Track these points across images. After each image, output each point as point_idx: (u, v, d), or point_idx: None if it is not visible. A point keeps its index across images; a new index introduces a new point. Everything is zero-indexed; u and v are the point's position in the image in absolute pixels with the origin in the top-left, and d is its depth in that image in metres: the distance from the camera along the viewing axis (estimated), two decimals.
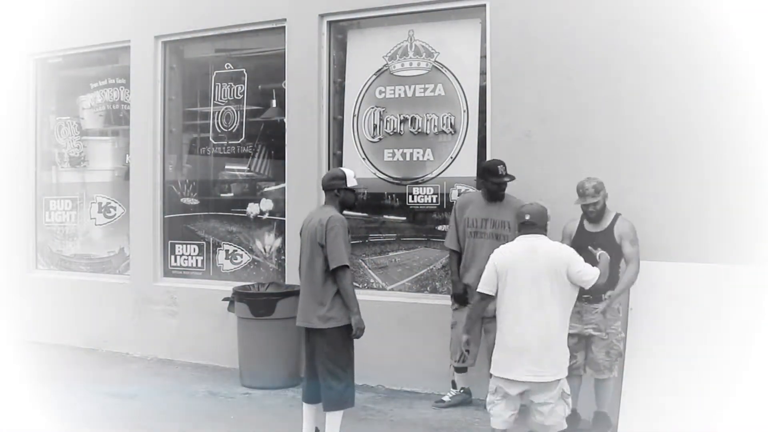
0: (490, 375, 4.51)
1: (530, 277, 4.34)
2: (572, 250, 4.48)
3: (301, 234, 5.13)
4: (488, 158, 6.23)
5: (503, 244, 5.51)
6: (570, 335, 4.96)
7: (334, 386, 4.87)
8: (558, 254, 4.42)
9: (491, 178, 5.74)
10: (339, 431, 4.92)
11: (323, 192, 5.22)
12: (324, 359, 4.90)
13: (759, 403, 4.77)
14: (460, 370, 5.97)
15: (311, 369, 5.02)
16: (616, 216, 5.29)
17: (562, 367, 4.35)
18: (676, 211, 5.50)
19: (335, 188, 5.04)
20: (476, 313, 4.76)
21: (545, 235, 4.54)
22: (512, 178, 5.75)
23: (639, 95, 5.66)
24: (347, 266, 4.83)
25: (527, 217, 4.50)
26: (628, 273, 5.20)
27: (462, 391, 6.02)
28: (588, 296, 5.11)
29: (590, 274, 4.40)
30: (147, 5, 8.01)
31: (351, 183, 5.06)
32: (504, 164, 5.78)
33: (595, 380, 5.31)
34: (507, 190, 5.84)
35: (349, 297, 4.86)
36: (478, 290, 4.57)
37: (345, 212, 5.15)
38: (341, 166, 7.01)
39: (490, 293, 4.48)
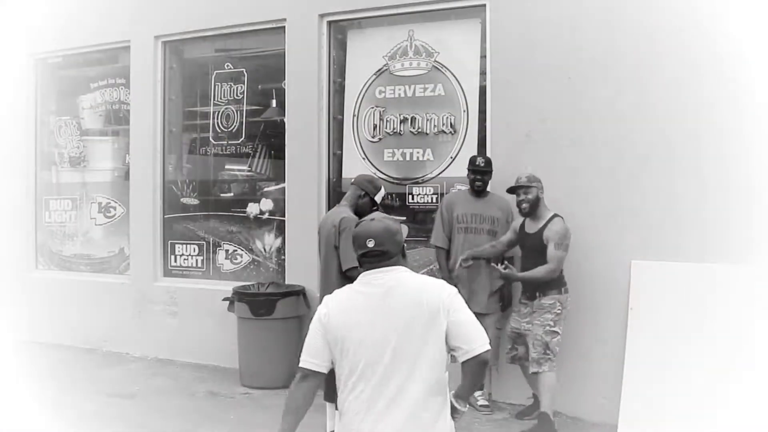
0: None
1: (382, 341, 2.73)
2: (454, 290, 2.84)
3: (318, 233, 5.21)
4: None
5: (494, 239, 5.77)
6: (512, 330, 5.50)
7: None
8: (431, 293, 2.77)
9: (469, 168, 5.95)
10: None
11: (350, 187, 5.34)
12: None
13: (758, 403, 4.77)
14: None
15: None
16: (552, 217, 5.33)
17: None
18: (675, 210, 5.50)
19: (365, 191, 5.11)
20: (294, 403, 2.92)
21: (405, 266, 2.93)
22: (487, 170, 5.89)
23: (639, 95, 5.66)
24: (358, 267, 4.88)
25: (370, 243, 2.83)
26: (540, 268, 5.21)
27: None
28: (525, 294, 5.43)
29: (474, 341, 2.72)
30: (147, 5, 8.01)
31: (378, 197, 5.22)
32: (486, 158, 5.97)
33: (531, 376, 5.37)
34: (503, 188, 5.88)
35: None
36: (300, 365, 2.92)
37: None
38: (341, 165, 7.04)
39: (318, 369, 2.89)
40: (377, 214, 3.02)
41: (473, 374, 2.76)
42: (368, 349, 2.73)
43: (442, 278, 5.85)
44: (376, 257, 2.85)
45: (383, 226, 2.86)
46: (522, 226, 5.51)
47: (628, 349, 5.34)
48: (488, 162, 5.95)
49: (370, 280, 2.86)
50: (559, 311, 5.27)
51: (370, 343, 2.74)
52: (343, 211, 5.05)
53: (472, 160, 5.96)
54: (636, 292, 5.39)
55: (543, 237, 5.26)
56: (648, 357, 5.25)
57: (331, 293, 4.90)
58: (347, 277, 4.92)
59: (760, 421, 4.73)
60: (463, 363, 2.74)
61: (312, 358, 2.85)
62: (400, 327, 2.72)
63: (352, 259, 4.86)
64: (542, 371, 5.23)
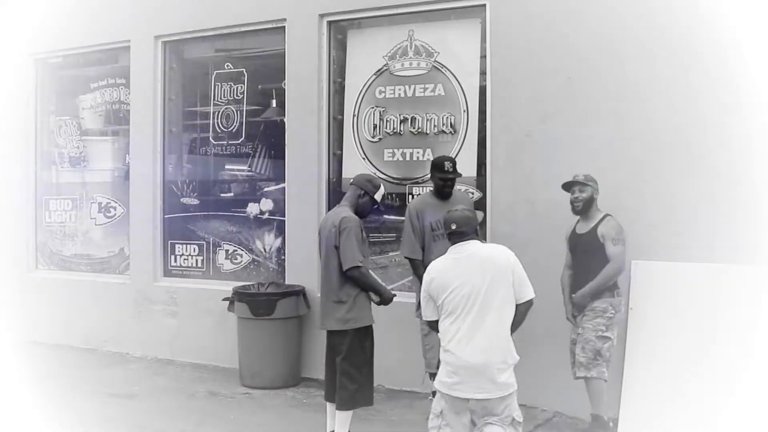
0: (433, 394, 4.32)
1: (468, 290, 3.92)
2: (513, 254, 4.04)
3: (319, 233, 5.20)
4: (488, 158, 6.25)
5: None
6: (572, 343, 5.25)
7: (347, 386, 4.95)
8: (499, 256, 4.01)
9: (437, 174, 5.61)
10: (347, 430, 4.98)
11: (349, 187, 5.31)
12: (340, 359, 4.99)
13: (759, 404, 4.77)
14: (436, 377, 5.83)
15: (330, 368, 5.11)
16: (604, 216, 5.22)
17: (508, 385, 3.91)
18: (675, 211, 5.50)
19: (364, 190, 5.09)
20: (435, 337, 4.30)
21: (478, 239, 4.15)
22: (458, 174, 5.66)
23: (639, 95, 5.66)
24: (360, 266, 4.87)
25: (453, 227, 4.09)
26: (604, 270, 5.09)
27: None
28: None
29: (530, 288, 3.99)
30: (147, 5, 8.01)
31: (378, 196, 5.18)
32: (453, 161, 5.67)
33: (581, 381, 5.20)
34: (503, 188, 5.85)
35: (374, 288, 5.06)
36: (424, 318, 4.25)
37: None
38: (341, 165, 7.04)
39: (434, 318, 4.11)
40: (461, 206, 4.37)
41: (520, 313, 3.99)
42: (457, 296, 3.92)
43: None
44: (458, 235, 4.08)
45: (463, 215, 4.13)
46: (573, 230, 5.35)
47: (628, 348, 5.33)
48: (455, 164, 5.67)
49: (456, 250, 4.06)
50: (611, 315, 5.11)
51: (458, 292, 3.92)
52: (344, 211, 5.06)
53: (440, 166, 5.58)
54: (636, 292, 5.38)
55: (598, 234, 5.13)
56: (648, 357, 5.24)
57: (330, 293, 4.98)
58: (348, 276, 4.92)
59: (760, 421, 4.73)
60: (517, 305, 3.96)
61: (426, 312, 4.13)
62: (478, 280, 3.91)
63: (352, 258, 4.87)
64: (590, 376, 5.07)
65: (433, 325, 4.15)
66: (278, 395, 6.52)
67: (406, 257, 5.75)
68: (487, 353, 3.87)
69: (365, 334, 5.02)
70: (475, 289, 3.91)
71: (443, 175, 5.56)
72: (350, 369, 4.95)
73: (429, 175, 6.51)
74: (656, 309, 5.30)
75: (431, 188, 5.87)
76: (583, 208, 5.23)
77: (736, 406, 4.83)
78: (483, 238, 5.80)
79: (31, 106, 9.04)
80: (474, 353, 3.88)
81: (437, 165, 5.65)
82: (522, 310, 4.00)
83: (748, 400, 4.81)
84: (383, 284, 5.57)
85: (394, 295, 5.20)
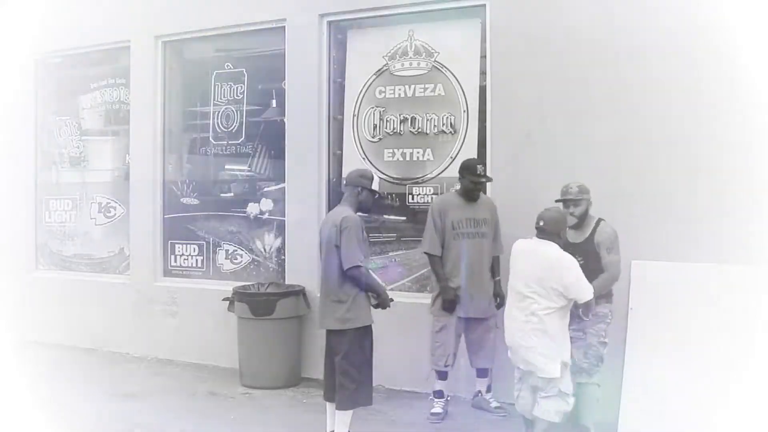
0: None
1: (521, 280, 4.72)
2: (572, 261, 4.65)
3: (320, 233, 5.20)
4: (488, 158, 6.25)
5: (485, 241, 5.75)
6: None
7: (346, 386, 4.95)
8: (552, 263, 4.63)
9: (469, 176, 5.68)
10: (347, 430, 4.98)
11: (345, 188, 5.30)
12: (339, 359, 4.97)
13: (758, 403, 4.77)
14: (441, 376, 5.81)
15: (329, 367, 5.10)
16: (598, 222, 5.15)
17: (550, 362, 4.62)
18: (675, 211, 5.50)
19: (360, 186, 5.09)
20: None
21: (558, 243, 4.72)
22: (489, 179, 5.80)
23: (639, 96, 5.66)
24: (360, 266, 4.86)
25: (541, 223, 4.75)
26: (600, 279, 4.99)
27: (449, 398, 5.95)
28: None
29: (584, 291, 4.62)
30: (147, 5, 8.02)
31: (375, 186, 5.16)
32: (484, 165, 5.83)
33: (576, 386, 5.04)
34: (503, 188, 5.86)
35: (373, 288, 5.04)
36: None
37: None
38: (341, 165, 7.04)
39: None
40: (554, 207, 4.94)
41: (584, 308, 4.73)
42: (515, 282, 4.79)
43: (441, 287, 5.70)
44: (540, 231, 4.76)
45: (552, 215, 4.79)
46: (565, 238, 5.12)
47: (628, 348, 5.33)
48: (485, 168, 5.77)
49: (533, 243, 4.78)
50: (609, 321, 5.10)
51: (517, 278, 4.78)
52: (345, 210, 5.05)
53: (472, 169, 5.68)
54: (636, 292, 5.38)
55: (594, 243, 5.07)
56: (648, 357, 5.24)
57: (330, 292, 4.99)
58: (348, 276, 4.92)
59: (760, 421, 4.73)
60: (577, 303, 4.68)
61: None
62: (529, 275, 4.68)
63: (353, 258, 4.86)
64: (591, 382, 5.03)
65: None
66: (278, 395, 6.52)
67: (425, 252, 5.84)
68: (528, 339, 4.62)
69: (364, 333, 5.01)
70: (527, 281, 4.66)
71: (476, 179, 5.67)
72: (349, 368, 4.95)
73: (431, 175, 6.59)
74: (656, 309, 5.31)
75: (457, 189, 5.91)
76: (578, 224, 5.16)
77: (736, 406, 4.84)
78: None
79: (31, 106, 9.04)
80: (518, 336, 4.69)
81: (470, 167, 5.73)
82: (583, 308, 4.71)
83: (747, 400, 4.81)
84: (383, 285, 5.57)
85: (392, 300, 5.17)
